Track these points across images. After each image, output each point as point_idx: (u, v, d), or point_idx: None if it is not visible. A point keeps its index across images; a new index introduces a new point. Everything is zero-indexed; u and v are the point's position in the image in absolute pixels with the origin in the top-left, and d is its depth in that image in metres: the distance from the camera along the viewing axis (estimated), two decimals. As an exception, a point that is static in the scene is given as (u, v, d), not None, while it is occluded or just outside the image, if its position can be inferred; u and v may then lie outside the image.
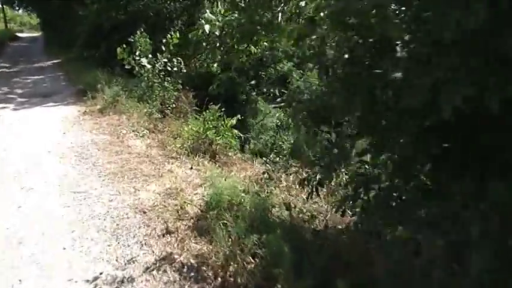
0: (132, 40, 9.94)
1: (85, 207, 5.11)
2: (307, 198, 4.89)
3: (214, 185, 5.48)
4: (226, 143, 7.33)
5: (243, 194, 5.29)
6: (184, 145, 7.37)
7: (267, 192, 5.59)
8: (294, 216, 5.11)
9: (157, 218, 4.89)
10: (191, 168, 6.57)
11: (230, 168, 7.01)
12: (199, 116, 11.22)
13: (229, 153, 7.35)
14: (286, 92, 20.32)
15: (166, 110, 9.81)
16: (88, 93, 10.08)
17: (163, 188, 5.68)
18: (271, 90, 19.87)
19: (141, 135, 7.95)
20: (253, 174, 6.88)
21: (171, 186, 5.75)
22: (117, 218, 4.87)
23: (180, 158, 6.96)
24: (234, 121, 7.71)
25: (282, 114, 18.27)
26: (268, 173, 6.44)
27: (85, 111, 9.25)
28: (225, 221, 4.61)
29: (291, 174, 7.16)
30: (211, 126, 7.37)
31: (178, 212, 5.00)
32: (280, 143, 12.68)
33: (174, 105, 10.00)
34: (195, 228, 4.69)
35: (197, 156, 7.03)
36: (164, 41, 10.22)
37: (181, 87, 10.61)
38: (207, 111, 7.67)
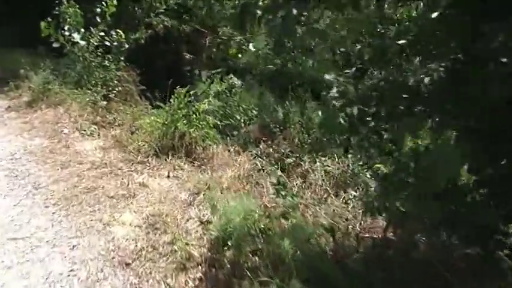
0: (58, 12, 7.69)
1: (35, 265, 3.31)
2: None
3: (215, 207, 3.90)
4: (202, 135, 5.64)
5: (258, 213, 3.77)
6: (150, 142, 5.60)
7: (290, 209, 4.07)
8: (339, 242, 3.68)
9: (149, 273, 3.24)
10: (168, 176, 4.88)
11: (214, 168, 5.40)
12: (147, 96, 9.43)
13: (208, 147, 5.69)
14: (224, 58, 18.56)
15: (111, 95, 7.80)
16: (10, 83, 7.74)
17: (143, 217, 3.98)
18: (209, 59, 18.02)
19: (88, 133, 6.02)
20: (244, 172, 5.32)
21: (152, 211, 4.06)
22: (89, 281, 3.15)
23: (148, 161, 5.21)
24: (205, 105, 6.00)
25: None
26: (279, 180, 4.92)
27: (8, 106, 6.98)
28: (250, 265, 3.09)
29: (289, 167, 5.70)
30: (180, 115, 5.63)
31: (176, 257, 3.38)
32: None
33: (118, 88, 8.00)
34: (211, 284, 3.12)
35: (170, 157, 5.32)
36: (98, 10, 8.07)
37: (124, 65, 8.59)
38: (173, 96, 5.88)
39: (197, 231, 3.80)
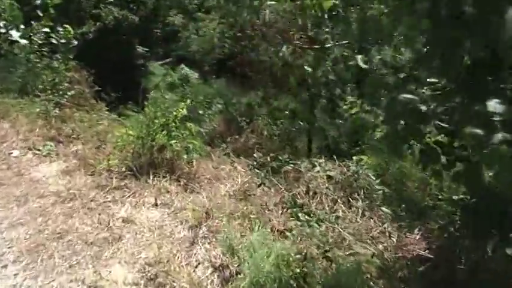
0: (-10, 6, 6.34)
1: None
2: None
3: (230, 247, 3.04)
4: (185, 146, 4.70)
5: (289, 253, 2.95)
6: (123, 159, 4.59)
7: (325, 244, 3.26)
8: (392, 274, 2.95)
9: None
10: (156, 204, 3.92)
11: (204, 185, 4.49)
12: (103, 97, 8.26)
13: (193, 160, 4.74)
14: (175, 47, 17.34)
15: (63, 101, 6.60)
16: None
17: (138, 268, 3.03)
18: (160, 49, 16.79)
19: (44, 153, 4.88)
20: (241, 188, 4.47)
21: (147, 258, 3.13)
22: None
23: (126, 185, 4.21)
24: (184, 110, 5.02)
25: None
26: (293, 198, 4.10)
27: None
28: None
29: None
30: (158, 125, 4.64)
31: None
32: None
33: (71, 92, 6.80)
34: None
35: (151, 177, 4.35)
36: (39, 2, 6.79)
37: (74, 64, 7.38)
38: (147, 103, 4.88)
39: (213, 282, 2.93)
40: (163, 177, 4.39)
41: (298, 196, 4.51)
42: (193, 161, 4.71)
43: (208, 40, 14.16)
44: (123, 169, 4.47)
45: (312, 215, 3.80)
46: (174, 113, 4.87)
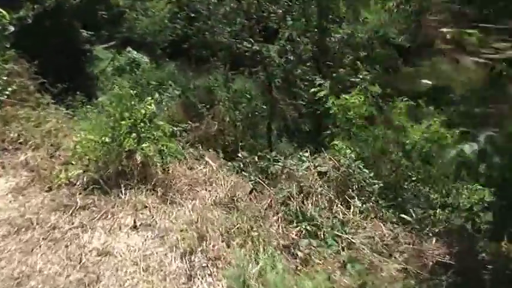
0: None
1: None
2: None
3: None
4: (159, 149, 3.97)
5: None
6: (86, 169, 3.82)
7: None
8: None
9: None
10: (135, 227, 3.22)
11: (186, 194, 3.82)
12: (48, 89, 7.23)
13: (169, 165, 4.03)
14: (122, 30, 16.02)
15: (2, 97, 5.59)
16: None
17: (128, 321, 2.39)
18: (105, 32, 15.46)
19: (-13, 166, 4.00)
20: (228, 194, 3.85)
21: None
22: None
23: (95, 203, 3.45)
24: (153, 106, 4.26)
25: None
26: (286, 203, 3.52)
27: None
28: None
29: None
30: (125, 127, 3.88)
31: None
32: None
33: (12, 87, 5.78)
34: None
35: (123, 190, 3.62)
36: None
37: (12, 53, 6.32)
38: (110, 99, 4.08)
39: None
40: (137, 188, 3.68)
41: (292, 199, 3.97)
42: (168, 166, 4.01)
43: (158, 21, 13.11)
44: (87, 182, 3.70)
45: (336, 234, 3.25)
46: (142, 111, 4.12)
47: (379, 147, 7.37)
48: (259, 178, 4.01)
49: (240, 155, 4.41)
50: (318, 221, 3.51)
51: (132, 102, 4.07)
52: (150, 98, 4.37)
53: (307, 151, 4.79)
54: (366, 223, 3.72)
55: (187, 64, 11.91)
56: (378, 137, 7.58)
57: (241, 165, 4.29)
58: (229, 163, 4.74)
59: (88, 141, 3.90)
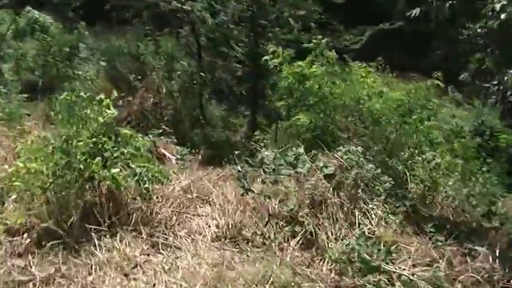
0: None
1: None
2: None
3: None
4: (136, 173, 2.84)
5: None
6: (35, 214, 2.61)
7: None
8: None
9: None
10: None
11: (179, 232, 2.81)
12: None
13: (149, 192, 2.94)
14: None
15: None
16: None
17: None
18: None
19: None
20: (225, 221, 2.90)
21: None
22: None
23: (60, 271, 2.33)
24: (111, 109, 3.05)
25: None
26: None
27: None
28: None
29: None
30: (82, 148, 2.67)
31: None
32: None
33: None
34: None
35: (95, 241, 2.52)
36: None
37: None
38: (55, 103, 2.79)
39: None
40: (114, 233, 2.59)
41: (305, 215, 3.15)
42: (149, 194, 2.92)
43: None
44: (40, 235, 2.52)
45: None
46: (100, 119, 2.91)
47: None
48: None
49: (238, 166, 3.39)
50: (349, 247, 2.75)
51: (88, 111, 2.84)
52: (103, 97, 3.12)
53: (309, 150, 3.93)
54: (396, 234, 3.07)
55: (109, 28, 10.07)
56: (337, 107, 6.96)
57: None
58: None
59: (30, 173, 2.66)
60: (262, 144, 8.21)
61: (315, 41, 7.16)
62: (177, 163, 5.12)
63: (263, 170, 3.24)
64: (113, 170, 2.72)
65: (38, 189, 2.66)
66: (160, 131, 6.07)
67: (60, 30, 10.35)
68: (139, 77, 8.54)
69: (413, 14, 10.00)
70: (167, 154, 5.26)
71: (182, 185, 3.45)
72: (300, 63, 6.90)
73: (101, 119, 2.90)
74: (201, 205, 3.20)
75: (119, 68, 8.63)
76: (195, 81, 9.14)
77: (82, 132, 2.69)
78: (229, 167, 7.17)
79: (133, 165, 2.83)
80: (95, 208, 2.67)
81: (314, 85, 6.73)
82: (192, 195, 3.34)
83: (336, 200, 3.35)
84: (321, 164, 3.58)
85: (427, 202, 3.94)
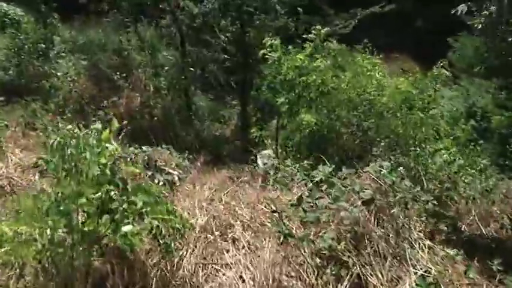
0: None
1: None
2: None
3: None
4: (153, 227, 2.25)
5: None
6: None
7: None
8: None
9: None
10: None
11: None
12: None
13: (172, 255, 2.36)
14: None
15: None
16: None
17: None
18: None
19: None
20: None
21: None
22: None
23: None
24: (113, 145, 2.43)
25: None
26: None
27: None
28: None
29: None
30: (86, 206, 2.07)
31: None
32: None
33: None
34: None
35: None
36: None
37: None
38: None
39: None
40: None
41: (347, 251, 2.64)
42: (172, 255, 2.33)
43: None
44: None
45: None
46: (103, 160, 2.29)
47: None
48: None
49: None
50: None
51: (88, 154, 2.21)
52: (99, 125, 2.49)
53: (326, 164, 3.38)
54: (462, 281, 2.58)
55: (87, 22, 9.14)
56: (341, 102, 6.46)
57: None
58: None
59: (19, 239, 2.04)
60: (260, 145, 7.64)
61: (314, 31, 6.56)
62: (179, 178, 4.56)
63: (302, 209, 2.67)
64: (125, 228, 2.12)
65: (31, 259, 2.05)
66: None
67: (32, 24, 9.38)
68: (124, 75, 7.79)
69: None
70: (168, 170, 4.65)
71: (200, 223, 2.88)
72: (300, 56, 6.32)
73: (103, 160, 2.28)
74: (227, 247, 2.64)
75: (100, 66, 7.82)
76: (183, 77, 8.43)
77: (84, 187, 2.07)
78: (231, 172, 6.64)
79: (148, 218, 2.24)
80: (107, 280, 2.07)
81: (317, 80, 6.18)
82: (213, 234, 2.79)
83: (380, 232, 2.85)
84: (357, 188, 3.05)
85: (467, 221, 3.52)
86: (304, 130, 6.19)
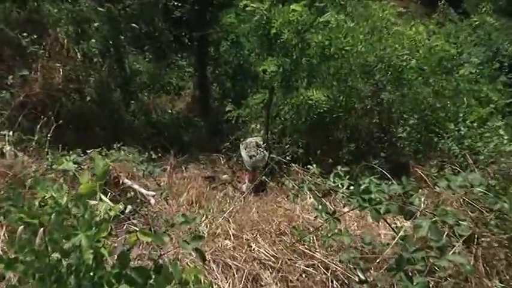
0: None
1: None
2: None
3: None
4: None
5: None
6: None
7: None
8: None
9: None
10: None
11: None
12: None
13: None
14: None
15: None
16: None
17: None
18: None
19: None
20: None
21: None
22: None
23: None
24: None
25: None
26: None
27: None
28: None
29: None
30: None
31: None
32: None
33: None
34: None
35: None
36: None
37: None
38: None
39: None
40: None
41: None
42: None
43: None
44: None
45: None
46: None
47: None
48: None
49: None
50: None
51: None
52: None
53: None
54: None
55: None
56: (356, 68, 4.62)
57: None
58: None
59: None
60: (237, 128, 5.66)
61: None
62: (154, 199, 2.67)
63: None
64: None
65: None
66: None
67: None
68: (35, 36, 5.24)
69: None
70: (138, 189, 2.70)
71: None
72: (297, 7, 4.27)
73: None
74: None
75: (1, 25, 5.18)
76: (122, 35, 6.02)
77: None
78: (202, 169, 4.95)
79: None
80: None
81: (324, 41, 4.24)
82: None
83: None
84: (450, 220, 1.32)
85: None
86: (309, 111, 4.32)
